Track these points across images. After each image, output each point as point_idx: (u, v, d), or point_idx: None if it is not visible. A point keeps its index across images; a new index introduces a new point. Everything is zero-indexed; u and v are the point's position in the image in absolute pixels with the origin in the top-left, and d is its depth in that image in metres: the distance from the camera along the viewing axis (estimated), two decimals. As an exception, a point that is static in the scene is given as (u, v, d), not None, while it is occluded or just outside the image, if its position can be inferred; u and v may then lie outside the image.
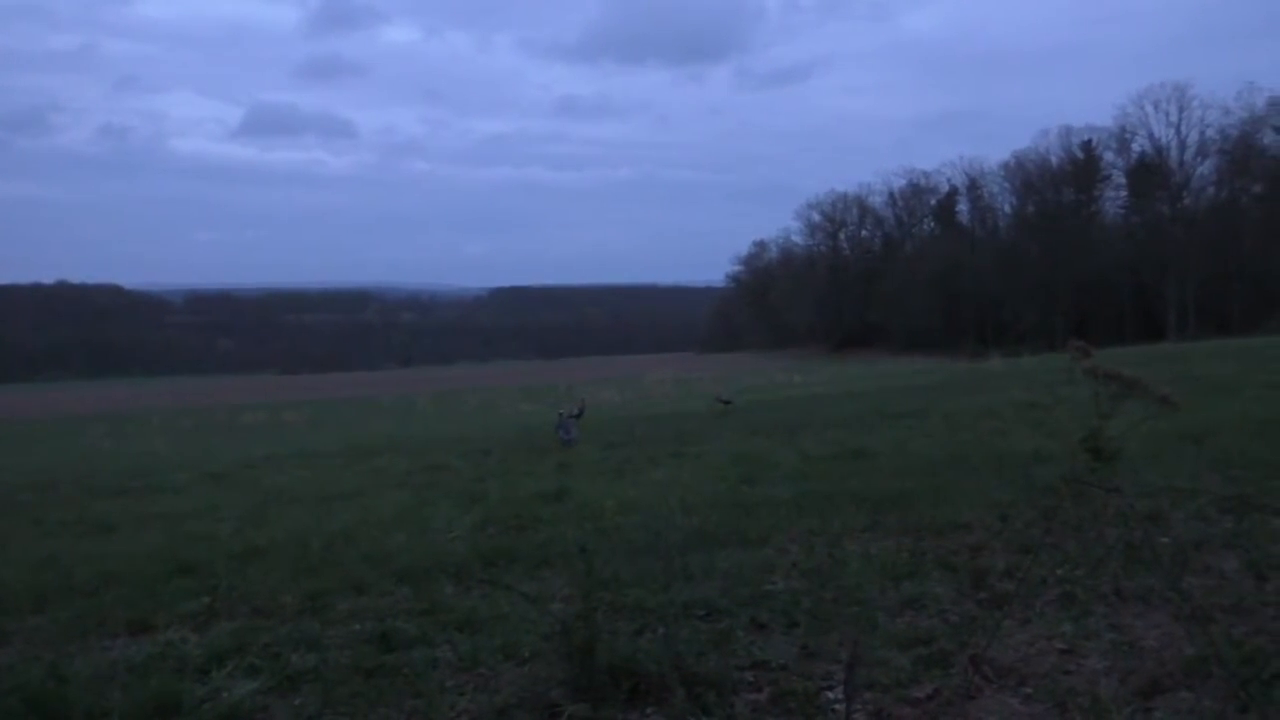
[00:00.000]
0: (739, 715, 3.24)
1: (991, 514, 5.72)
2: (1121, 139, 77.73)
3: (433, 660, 3.90)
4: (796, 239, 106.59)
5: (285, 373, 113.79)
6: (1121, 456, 2.93)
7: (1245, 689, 3.05)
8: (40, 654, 4.28)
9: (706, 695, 3.32)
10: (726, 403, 19.77)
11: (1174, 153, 74.54)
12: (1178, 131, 74.01)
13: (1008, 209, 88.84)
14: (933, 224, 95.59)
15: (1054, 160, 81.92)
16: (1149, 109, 74.72)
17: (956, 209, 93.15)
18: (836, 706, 3.23)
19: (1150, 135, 75.49)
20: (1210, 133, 73.17)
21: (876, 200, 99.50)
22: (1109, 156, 79.86)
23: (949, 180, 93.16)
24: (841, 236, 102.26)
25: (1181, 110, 73.44)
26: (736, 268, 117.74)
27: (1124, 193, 79.69)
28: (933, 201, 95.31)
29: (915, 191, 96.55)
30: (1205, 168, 74.54)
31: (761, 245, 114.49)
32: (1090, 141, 79.58)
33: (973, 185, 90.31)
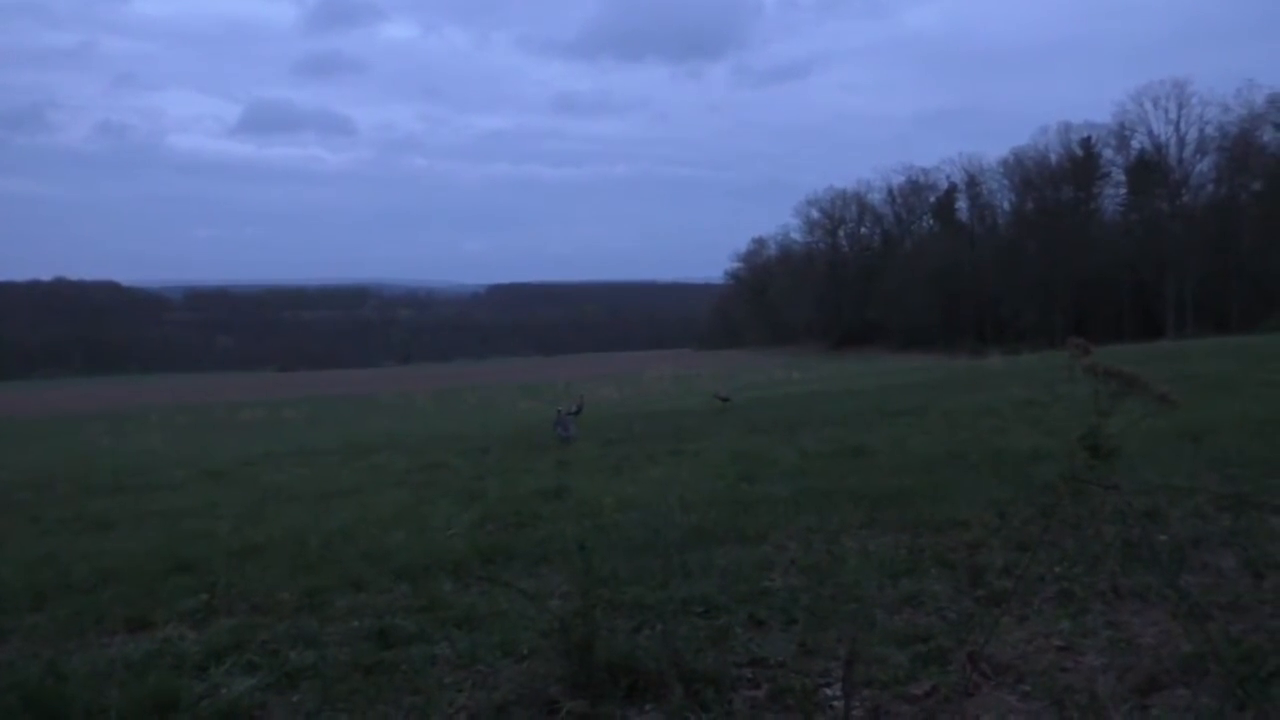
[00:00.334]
0: (737, 712, 3.25)
1: (990, 511, 5.72)
2: (1121, 136, 77.75)
3: (431, 657, 3.91)
4: (795, 236, 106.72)
5: (283, 370, 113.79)
6: (1120, 454, 2.93)
7: (1243, 686, 3.05)
8: (39, 651, 4.29)
9: (705, 692, 3.33)
10: (725, 400, 19.76)
11: (1173, 150, 74.57)
12: (1177, 129, 74.06)
13: (1007, 206, 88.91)
14: (932, 221, 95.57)
15: (1053, 157, 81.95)
16: (1148, 106, 74.74)
17: (956, 206, 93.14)
18: (835, 703, 3.24)
19: (1149, 132, 75.53)
20: (1210, 130, 73.20)
21: (875, 197, 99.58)
22: (1108, 153, 79.88)
23: (948, 177, 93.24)
24: (840, 234, 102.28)
25: (1181, 107, 73.47)
26: (735, 264, 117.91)
27: (1123, 190, 79.69)
28: (932, 199, 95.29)
29: (914, 188, 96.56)
30: (1204, 165, 74.57)
31: (760, 242, 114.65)
32: (1089, 138, 79.56)
33: (972, 182, 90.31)
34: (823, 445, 10.24)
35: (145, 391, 69.85)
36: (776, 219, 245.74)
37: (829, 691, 3.34)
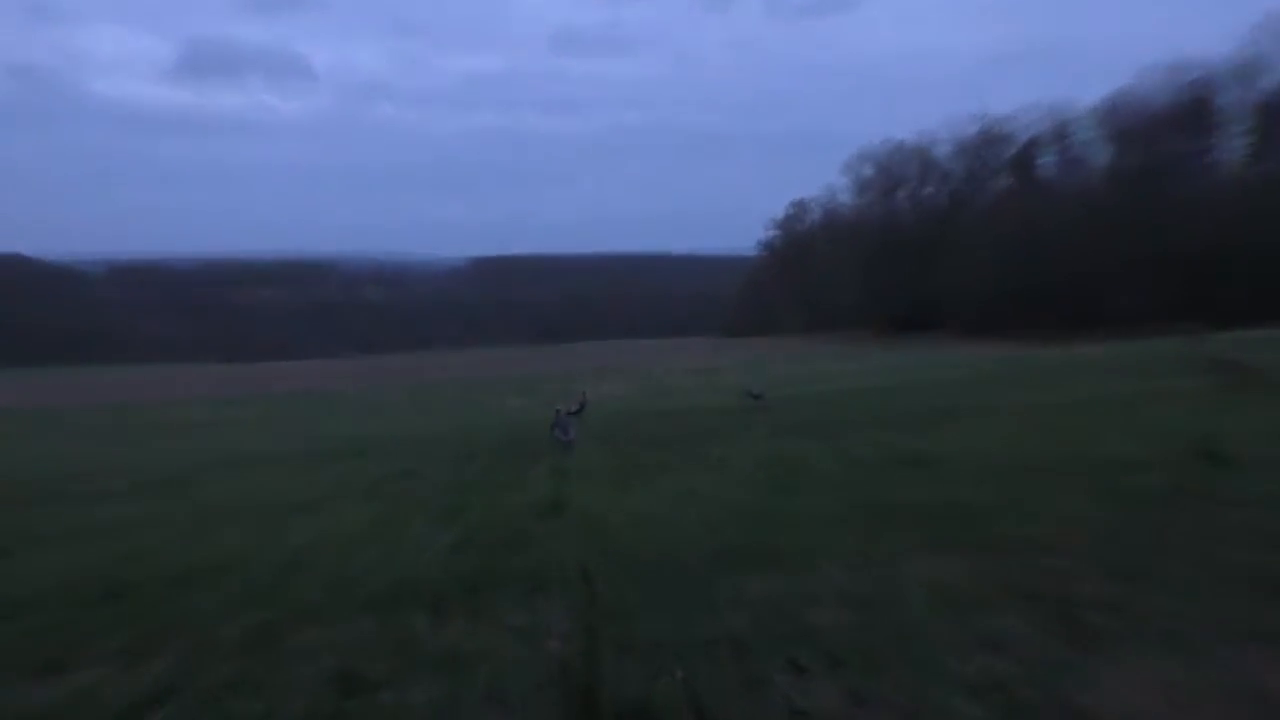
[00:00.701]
0: (774, 776, 3.23)
1: (1081, 532, 5.68)
2: (1243, 75, 76.96)
3: (404, 707, 3.89)
4: (843, 198, 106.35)
5: (228, 361, 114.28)
6: (1243, 462, 2.89)
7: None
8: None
9: (735, 751, 3.31)
10: (757, 397, 19.76)
11: (1309, 91, 73.64)
12: (1314, 65, 73.11)
13: (1101, 162, 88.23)
14: (1009, 180, 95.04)
15: (1159, 102, 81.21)
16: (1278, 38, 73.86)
17: (1038, 162, 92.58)
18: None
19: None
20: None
21: (941, 151, 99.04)
22: (1228, 97, 79.13)
23: (1029, 128, 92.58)
24: (898, 195, 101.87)
25: (1319, 39, 72.52)
26: (770, 233, 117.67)
27: (1246, 141, 78.99)
28: (1009, 153, 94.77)
29: (988, 141, 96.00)
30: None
31: (800, 206, 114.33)
32: (1204, 79, 78.88)
33: (1058, 133, 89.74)
34: (875, 451, 10.22)
35: (60, 388, 70.29)
36: (819, 178, 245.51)
37: (886, 751, 3.31)
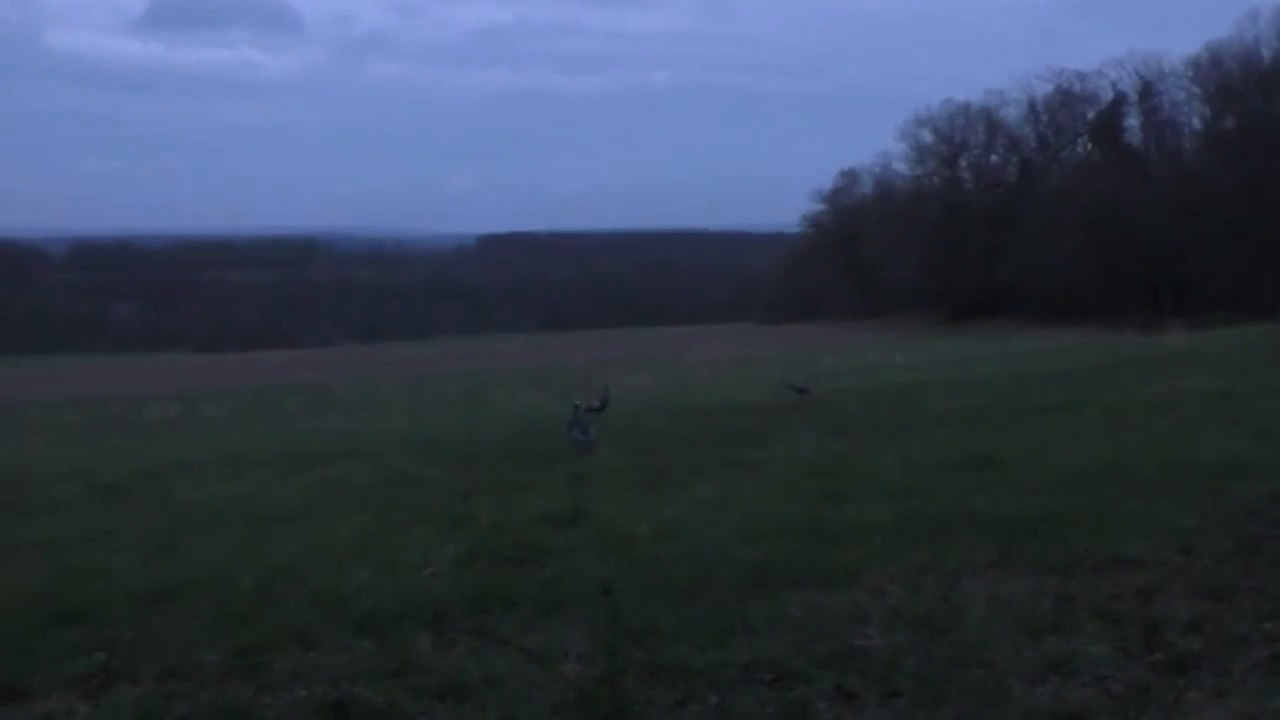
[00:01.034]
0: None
1: (1169, 545, 5.67)
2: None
3: (404, 738, 3.94)
4: (899, 167, 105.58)
5: (203, 350, 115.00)
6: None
7: None
8: None
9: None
10: (801, 392, 19.73)
11: None
12: None
13: (1196, 124, 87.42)
14: (1090, 146, 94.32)
15: (1265, 54, 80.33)
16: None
17: (1124, 125, 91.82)
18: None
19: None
20: None
21: (1011, 114, 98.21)
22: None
23: (1114, 85, 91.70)
24: (962, 163, 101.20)
25: None
26: (815, 207, 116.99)
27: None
28: (1090, 115, 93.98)
29: (1066, 101, 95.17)
30: None
31: (851, 176, 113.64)
32: (1315, 27, 77.97)
33: (1147, 91, 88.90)
34: (935, 454, 10.20)
35: (17, 379, 70.95)
36: (873, 144, 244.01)
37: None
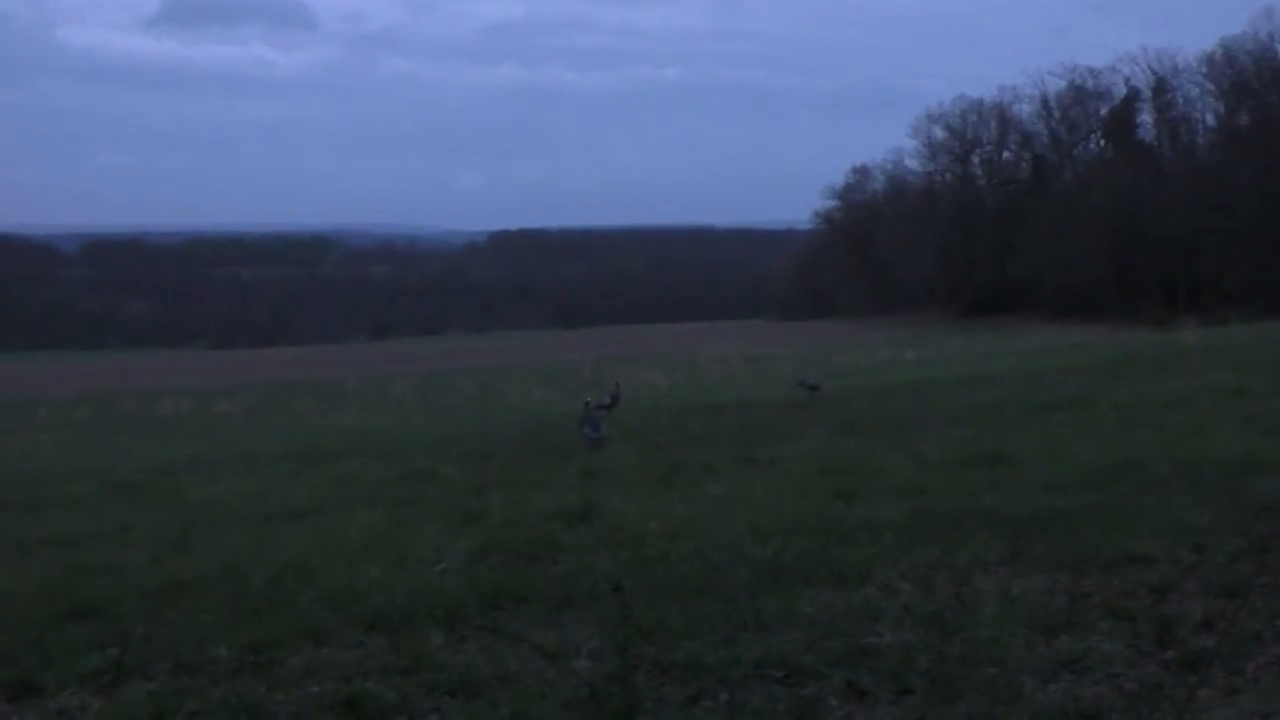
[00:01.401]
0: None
1: (1182, 543, 5.65)
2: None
3: (416, 734, 3.95)
4: (911, 164, 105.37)
5: (217, 347, 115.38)
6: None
7: None
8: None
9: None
10: (813, 389, 19.69)
11: None
12: None
13: (1210, 120, 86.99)
14: (1103, 142, 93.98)
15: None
16: None
17: (1137, 121, 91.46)
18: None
19: None
20: None
21: (1024, 110, 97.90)
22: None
23: (1127, 81, 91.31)
24: (975, 160, 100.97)
25: None
26: (827, 204, 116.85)
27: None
28: (1104, 111, 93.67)
29: (1079, 97, 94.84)
30: None
31: (862, 173, 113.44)
32: (1331, 21, 77.55)
33: (1161, 87, 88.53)
34: (947, 451, 10.19)
35: (29, 376, 71.26)
36: (885, 140, 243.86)
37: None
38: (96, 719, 4.29)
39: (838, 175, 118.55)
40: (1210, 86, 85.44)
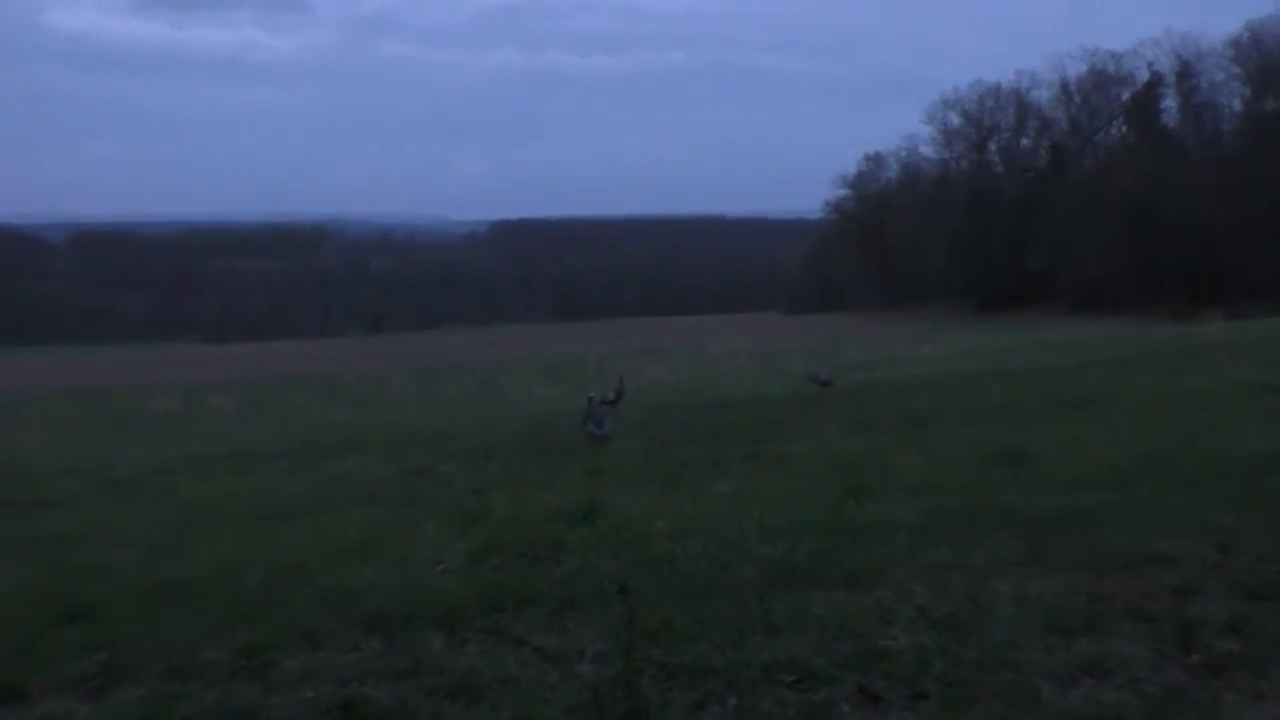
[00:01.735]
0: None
1: (1206, 543, 5.64)
2: None
3: (415, 740, 3.96)
4: (926, 151, 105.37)
5: (210, 341, 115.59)
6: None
7: None
8: None
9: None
10: (825, 384, 19.68)
11: None
12: None
13: (1236, 105, 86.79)
14: (1125, 128, 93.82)
15: (1306, 34, 79.72)
16: None
17: (1161, 107, 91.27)
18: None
19: None
20: None
21: (1043, 95, 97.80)
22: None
23: (1150, 65, 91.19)
24: (991, 147, 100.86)
25: None
26: (839, 193, 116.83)
27: None
28: (1125, 96, 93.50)
29: (1100, 82, 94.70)
30: None
31: (875, 161, 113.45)
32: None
33: (1185, 72, 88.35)
34: (963, 448, 10.19)
35: (17, 371, 71.38)
36: (898, 127, 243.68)
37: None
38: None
39: (849, 163, 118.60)
40: (1236, 71, 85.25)
